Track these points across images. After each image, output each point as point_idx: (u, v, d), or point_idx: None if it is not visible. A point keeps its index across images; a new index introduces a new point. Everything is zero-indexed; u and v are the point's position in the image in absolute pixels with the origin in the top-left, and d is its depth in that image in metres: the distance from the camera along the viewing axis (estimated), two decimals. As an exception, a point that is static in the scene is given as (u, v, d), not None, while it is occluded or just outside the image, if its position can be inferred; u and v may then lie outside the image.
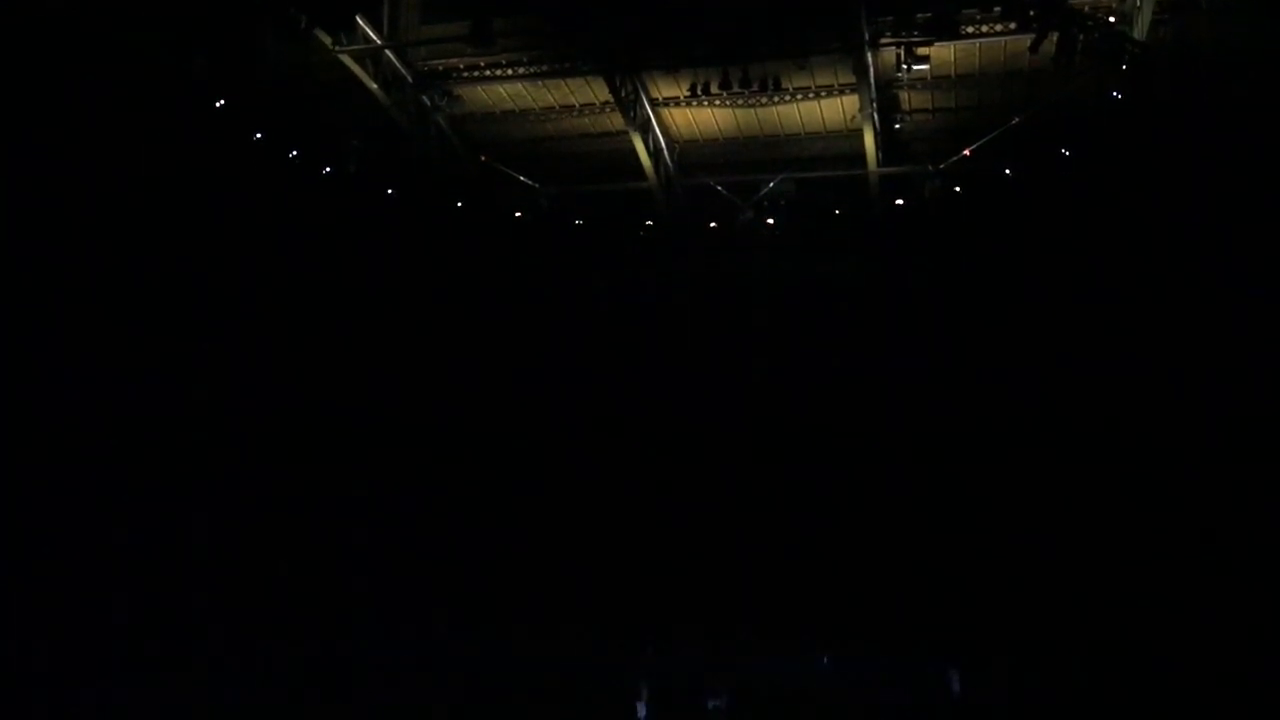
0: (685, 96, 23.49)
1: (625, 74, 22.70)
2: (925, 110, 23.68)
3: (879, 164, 24.14)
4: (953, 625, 22.41)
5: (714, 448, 26.55)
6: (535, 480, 26.94)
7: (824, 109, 23.75)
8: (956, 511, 24.11)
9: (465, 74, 23.49)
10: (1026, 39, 19.82)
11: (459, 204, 25.96)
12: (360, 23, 22.24)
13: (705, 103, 23.53)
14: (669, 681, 20.73)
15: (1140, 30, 19.76)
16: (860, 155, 24.05)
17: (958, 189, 23.83)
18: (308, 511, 25.28)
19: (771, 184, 25.27)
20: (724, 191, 25.64)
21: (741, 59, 21.67)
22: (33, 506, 20.54)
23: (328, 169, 24.31)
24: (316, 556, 24.99)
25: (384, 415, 27.14)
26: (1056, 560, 22.65)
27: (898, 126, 23.86)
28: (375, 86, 23.16)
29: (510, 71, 23.22)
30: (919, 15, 20.19)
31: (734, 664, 22.71)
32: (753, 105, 23.60)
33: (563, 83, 23.63)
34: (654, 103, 24.11)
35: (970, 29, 20.65)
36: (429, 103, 23.98)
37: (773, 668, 23.07)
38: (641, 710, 19.90)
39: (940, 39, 20.60)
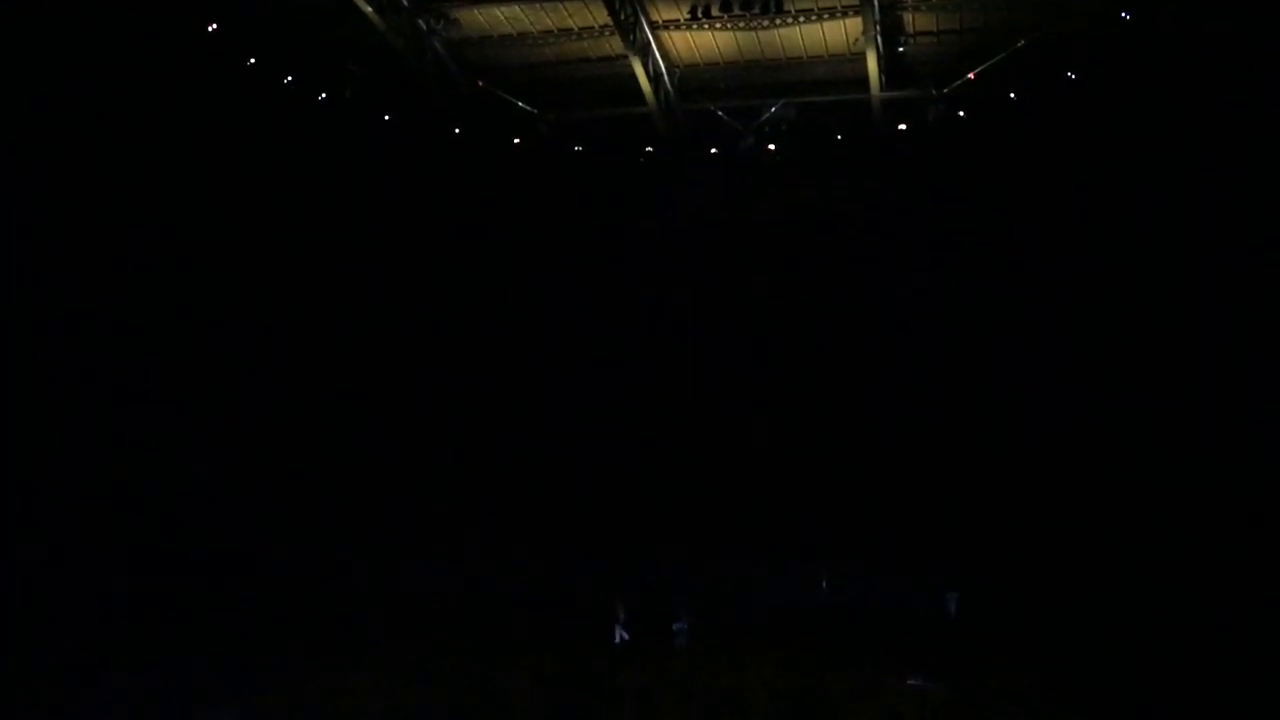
0: (685, 19, 23.04)
1: (624, -5, 22.29)
2: (930, 33, 23.25)
3: (882, 88, 23.80)
4: (951, 547, 22.76)
5: (712, 370, 26.67)
6: (527, 407, 27.10)
7: (826, 31, 23.31)
8: (957, 435, 24.33)
9: (461, -5, 23.07)
10: (1035, -43, 19.46)
11: (456, 130, 25.67)
12: (353, -57, 21.79)
13: (706, 25, 23.08)
14: (650, 605, 20.96)
15: (1150, -51, 19.43)
16: (863, 79, 23.71)
17: (961, 113, 23.57)
18: (303, 444, 25.59)
19: (773, 109, 24.96)
20: (725, 117, 25.36)
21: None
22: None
23: (323, 95, 23.96)
24: (315, 488, 25.33)
25: (376, 344, 27.20)
26: (1056, 483, 22.92)
27: (901, 50, 23.48)
28: (370, 10, 22.70)
29: (507, -7, 22.79)
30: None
31: (719, 585, 23.00)
32: (754, 28, 23.17)
33: (561, 5, 23.16)
34: (654, 25, 23.66)
35: (978, -53, 20.28)
36: (425, 26, 23.55)
37: (758, 589, 23.40)
38: (620, 633, 20.25)
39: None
